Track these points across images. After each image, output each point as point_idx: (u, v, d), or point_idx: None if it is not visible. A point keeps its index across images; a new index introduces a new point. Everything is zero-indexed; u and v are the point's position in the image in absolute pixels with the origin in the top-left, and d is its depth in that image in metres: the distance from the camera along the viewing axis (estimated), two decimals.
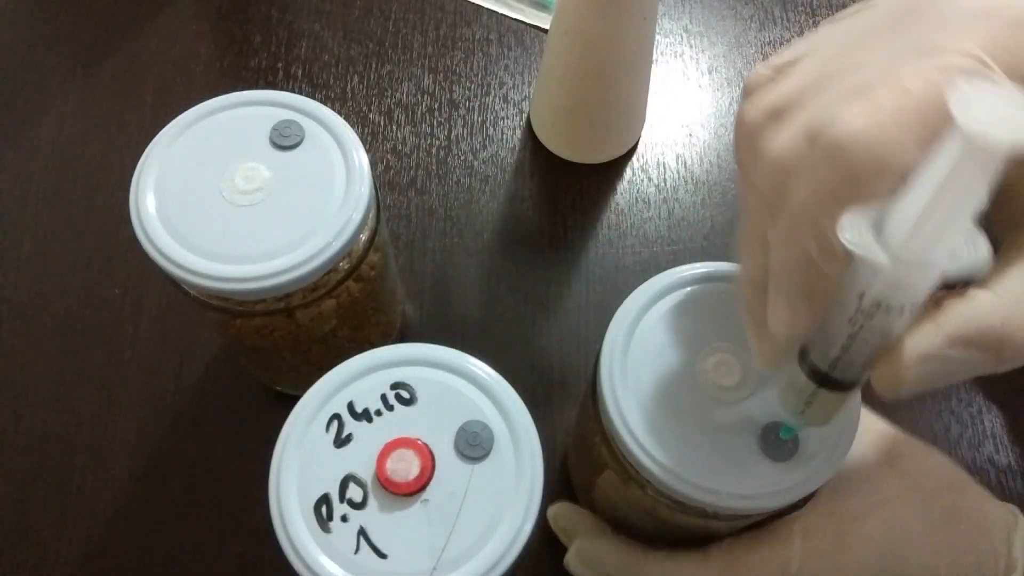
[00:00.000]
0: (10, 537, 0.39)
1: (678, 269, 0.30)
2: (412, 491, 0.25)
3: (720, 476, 0.26)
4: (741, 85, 0.33)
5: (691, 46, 0.54)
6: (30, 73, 0.51)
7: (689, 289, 0.29)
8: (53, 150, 0.49)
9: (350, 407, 0.27)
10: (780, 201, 0.21)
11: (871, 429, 0.31)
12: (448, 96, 0.51)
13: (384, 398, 0.27)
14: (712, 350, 0.28)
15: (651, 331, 0.29)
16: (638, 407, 0.27)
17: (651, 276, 0.29)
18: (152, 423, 0.42)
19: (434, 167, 0.49)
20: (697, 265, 0.30)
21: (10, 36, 0.52)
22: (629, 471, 0.28)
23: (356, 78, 0.51)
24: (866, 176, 0.19)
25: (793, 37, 0.55)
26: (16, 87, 0.51)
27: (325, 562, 0.24)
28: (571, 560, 0.32)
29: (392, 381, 0.27)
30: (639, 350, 0.28)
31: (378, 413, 0.27)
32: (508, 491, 0.26)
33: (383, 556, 0.25)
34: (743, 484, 0.26)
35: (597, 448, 0.30)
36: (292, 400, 0.27)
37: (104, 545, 0.39)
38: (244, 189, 0.31)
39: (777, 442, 0.27)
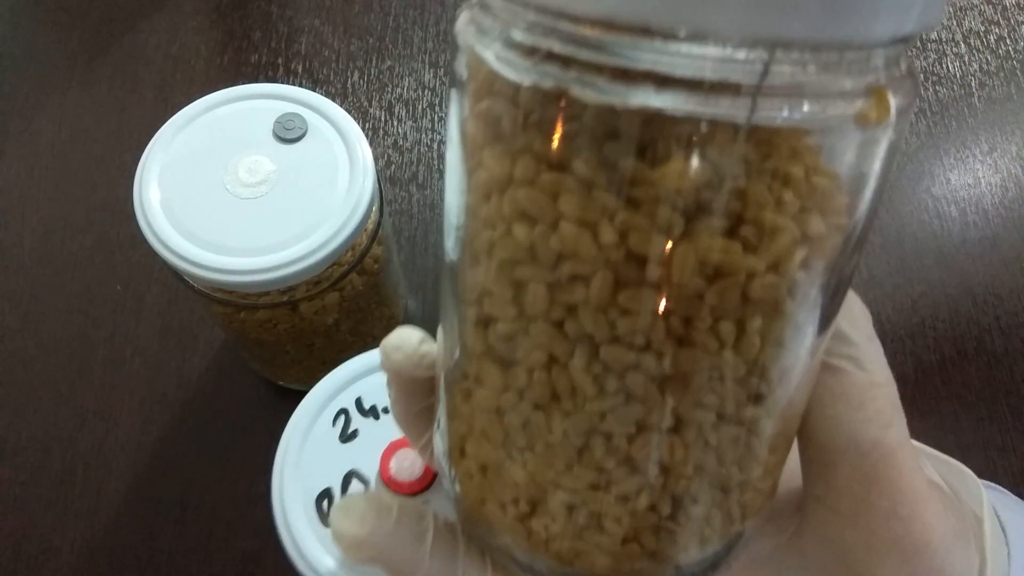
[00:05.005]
0: (13, 534, 0.39)
1: None
2: (414, 491, 0.25)
3: None
4: None
5: None
6: (31, 70, 0.51)
7: None
8: (54, 146, 0.48)
9: (358, 403, 0.27)
10: None
11: None
12: (449, 91, 0.51)
13: None
14: None
15: None
16: None
17: None
18: (154, 419, 0.42)
19: (435, 162, 0.49)
20: None
21: (11, 33, 0.52)
22: None
23: (356, 73, 0.51)
24: None
25: None
26: (17, 83, 0.50)
27: (324, 557, 0.24)
28: None
29: None
30: None
31: (385, 411, 0.26)
32: None
33: None
34: None
35: None
36: (295, 395, 0.27)
37: (107, 541, 0.39)
38: (248, 182, 0.31)
39: None
